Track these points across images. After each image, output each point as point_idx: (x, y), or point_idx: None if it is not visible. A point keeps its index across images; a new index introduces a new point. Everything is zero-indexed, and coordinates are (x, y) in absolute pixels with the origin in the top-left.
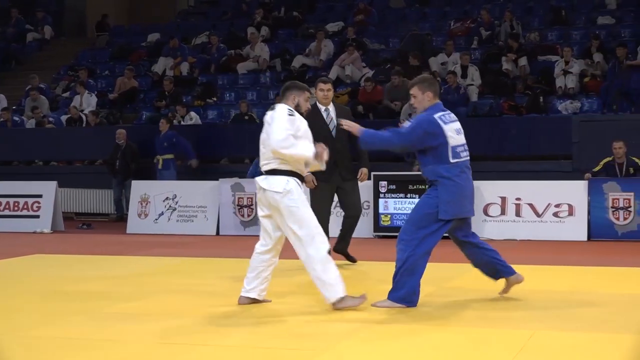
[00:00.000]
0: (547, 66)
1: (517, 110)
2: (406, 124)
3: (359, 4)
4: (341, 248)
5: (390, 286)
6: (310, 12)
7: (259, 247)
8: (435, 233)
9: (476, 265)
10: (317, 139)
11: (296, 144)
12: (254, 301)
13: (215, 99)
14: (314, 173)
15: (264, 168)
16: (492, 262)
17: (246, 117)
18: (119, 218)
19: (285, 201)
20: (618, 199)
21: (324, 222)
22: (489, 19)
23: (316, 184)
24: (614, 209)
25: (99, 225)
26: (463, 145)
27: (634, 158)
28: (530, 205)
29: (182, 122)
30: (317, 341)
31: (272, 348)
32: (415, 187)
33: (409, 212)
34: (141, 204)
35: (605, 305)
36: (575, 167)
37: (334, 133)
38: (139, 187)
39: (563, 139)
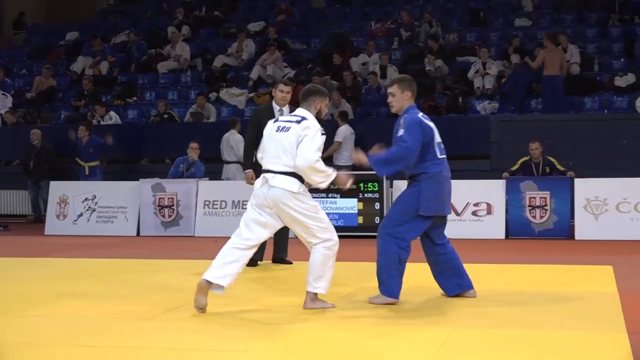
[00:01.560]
0: (466, 67)
1: (436, 110)
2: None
3: (280, 3)
4: (280, 258)
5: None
6: (231, 12)
7: (242, 242)
8: (415, 229)
9: (437, 274)
10: None
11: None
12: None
13: (135, 98)
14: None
15: (274, 168)
16: (457, 274)
17: (165, 116)
18: (37, 219)
19: (300, 203)
20: (535, 198)
21: None
22: (409, 19)
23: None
24: (530, 208)
25: (16, 227)
26: (440, 142)
27: (549, 158)
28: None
29: (102, 122)
30: (238, 342)
31: (194, 349)
32: (336, 186)
33: (332, 212)
34: (60, 205)
35: (522, 302)
36: (493, 166)
37: None
38: (57, 188)
39: (481, 139)
